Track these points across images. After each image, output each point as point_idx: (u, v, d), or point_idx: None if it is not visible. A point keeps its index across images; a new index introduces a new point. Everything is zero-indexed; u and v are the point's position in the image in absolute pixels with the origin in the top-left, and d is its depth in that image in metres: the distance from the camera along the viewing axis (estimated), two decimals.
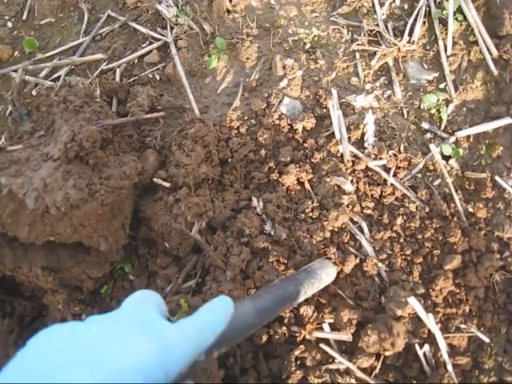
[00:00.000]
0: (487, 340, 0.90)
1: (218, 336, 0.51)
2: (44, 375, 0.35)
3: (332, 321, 0.91)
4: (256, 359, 0.91)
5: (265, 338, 0.89)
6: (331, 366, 0.89)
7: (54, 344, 0.38)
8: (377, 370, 0.90)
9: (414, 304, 0.86)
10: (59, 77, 1.15)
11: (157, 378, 0.39)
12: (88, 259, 0.95)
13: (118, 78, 1.12)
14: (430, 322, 0.87)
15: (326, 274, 0.85)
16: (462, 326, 0.91)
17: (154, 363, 0.39)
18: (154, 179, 0.96)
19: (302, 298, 0.78)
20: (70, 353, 0.37)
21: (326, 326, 0.91)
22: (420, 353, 0.88)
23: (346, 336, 0.89)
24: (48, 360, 0.36)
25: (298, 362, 0.88)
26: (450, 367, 0.88)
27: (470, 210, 0.95)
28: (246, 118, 1.04)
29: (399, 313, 0.86)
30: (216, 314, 0.52)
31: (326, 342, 0.91)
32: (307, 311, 0.90)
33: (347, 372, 0.90)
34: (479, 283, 0.91)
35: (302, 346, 0.88)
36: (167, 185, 0.95)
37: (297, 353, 0.87)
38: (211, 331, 0.50)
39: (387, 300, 0.88)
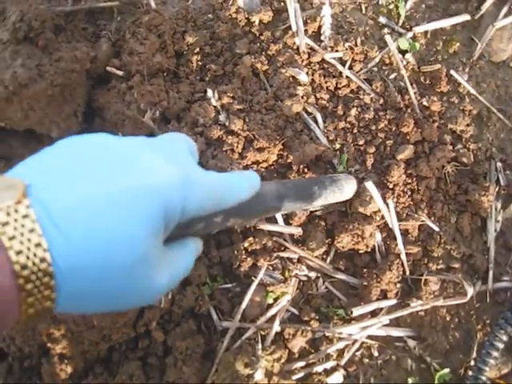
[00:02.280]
0: (437, 229, 0.91)
1: (239, 203, 0.49)
2: (66, 175, 0.33)
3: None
4: (208, 247, 0.91)
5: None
6: (282, 254, 0.90)
7: (81, 148, 0.37)
8: (330, 260, 0.92)
9: (372, 189, 0.87)
10: None
11: (174, 208, 0.38)
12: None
13: None
14: (390, 209, 0.88)
15: (349, 189, 0.84)
16: (414, 215, 0.91)
17: (176, 191, 0.38)
18: (108, 68, 0.94)
19: (320, 202, 0.77)
20: (95, 159, 0.36)
21: (279, 217, 0.91)
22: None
23: (296, 230, 0.90)
24: (72, 160, 0.35)
25: (249, 250, 0.89)
26: (403, 256, 0.89)
27: (425, 103, 0.96)
28: (203, 12, 1.02)
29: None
30: (245, 180, 0.51)
31: (279, 234, 0.92)
32: None
33: (299, 260, 0.91)
34: (431, 173, 0.92)
35: (250, 239, 0.88)
36: (120, 73, 0.94)
37: (246, 244, 0.88)
38: (236, 193, 0.49)
39: None
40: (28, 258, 0.29)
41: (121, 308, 0.36)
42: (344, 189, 0.82)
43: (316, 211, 0.91)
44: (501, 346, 0.86)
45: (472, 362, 0.89)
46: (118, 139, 0.39)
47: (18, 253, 0.29)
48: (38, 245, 0.29)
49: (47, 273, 0.30)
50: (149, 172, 0.36)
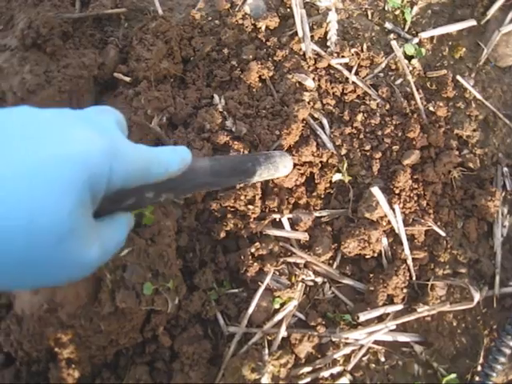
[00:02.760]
0: (443, 234, 0.91)
1: (170, 177, 0.49)
2: None
3: (291, 216, 0.92)
4: (214, 253, 0.91)
5: (223, 234, 0.90)
6: (289, 259, 0.90)
7: (2, 119, 0.35)
8: (337, 265, 0.92)
9: (378, 194, 0.87)
10: None
11: (99, 178, 0.37)
12: None
13: None
14: (396, 214, 0.88)
15: (283, 166, 0.85)
16: (420, 220, 0.91)
17: (101, 160, 0.37)
18: (115, 74, 0.95)
19: (255, 179, 0.78)
20: (17, 129, 0.34)
21: (285, 222, 0.92)
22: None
23: (302, 235, 0.90)
24: None
25: (256, 255, 0.89)
26: (409, 261, 0.89)
27: (431, 108, 0.96)
28: (209, 18, 1.03)
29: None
30: (175, 154, 0.50)
31: (286, 239, 0.92)
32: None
33: (305, 265, 0.91)
34: (437, 179, 0.92)
35: (257, 244, 0.89)
36: (127, 79, 0.95)
37: (253, 250, 0.88)
38: (165, 166, 0.48)
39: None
40: None
41: (52, 282, 0.35)
42: (279, 166, 0.82)
43: (322, 216, 0.92)
44: (508, 351, 0.86)
45: (479, 368, 0.89)
46: (41, 110, 0.38)
47: None
48: None
49: None
50: (72, 141, 0.35)
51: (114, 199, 0.42)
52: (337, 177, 0.90)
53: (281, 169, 0.84)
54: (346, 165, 0.90)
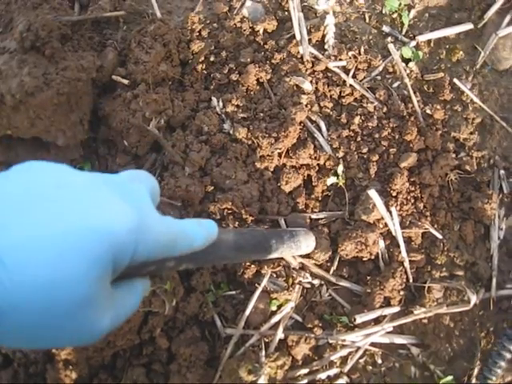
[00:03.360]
0: (440, 236, 0.92)
1: (194, 250, 0.49)
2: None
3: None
4: None
5: None
6: (286, 261, 0.90)
7: (34, 181, 0.34)
8: (334, 267, 0.92)
9: (375, 197, 0.87)
10: None
11: (124, 252, 0.37)
12: (46, 157, 0.96)
13: None
14: (393, 216, 0.88)
15: (306, 245, 0.85)
16: (417, 222, 0.92)
17: (128, 235, 0.36)
18: (113, 77, 0.95)
19: (275, 255, 0.78)
20: (48, 194, 0.34)
21: (283, 224, 0.92)
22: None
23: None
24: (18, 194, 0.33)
25: None
26: (406, 263, 0.89)
27: (428, 111, 0.96)
28: (208, 21, 1.03)
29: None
30: (201, 230, 0.50)
31: None
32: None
33: (303, 267, 0.92)
34: (434, 181, 0.92)
35: None
36: (126, 82, 0.95)
37: None
38: (191, 241, 0.48)
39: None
40: None
41: (59, 346, 0.34)
42: (301, 245, 0.82)
43: (319, 219, 0.92)
44: (508, 355, 0.86)
45: (476, 370, 0.89)
46: (75, 174, 0.37)
47: None
48: None
49: None
50: (102, 213, 0.35)
51: (134, 266, 0.42)
52: (331, 180, 0.91)
53: (303, 248, 0.84)
54: (341, 167, 0.90)
